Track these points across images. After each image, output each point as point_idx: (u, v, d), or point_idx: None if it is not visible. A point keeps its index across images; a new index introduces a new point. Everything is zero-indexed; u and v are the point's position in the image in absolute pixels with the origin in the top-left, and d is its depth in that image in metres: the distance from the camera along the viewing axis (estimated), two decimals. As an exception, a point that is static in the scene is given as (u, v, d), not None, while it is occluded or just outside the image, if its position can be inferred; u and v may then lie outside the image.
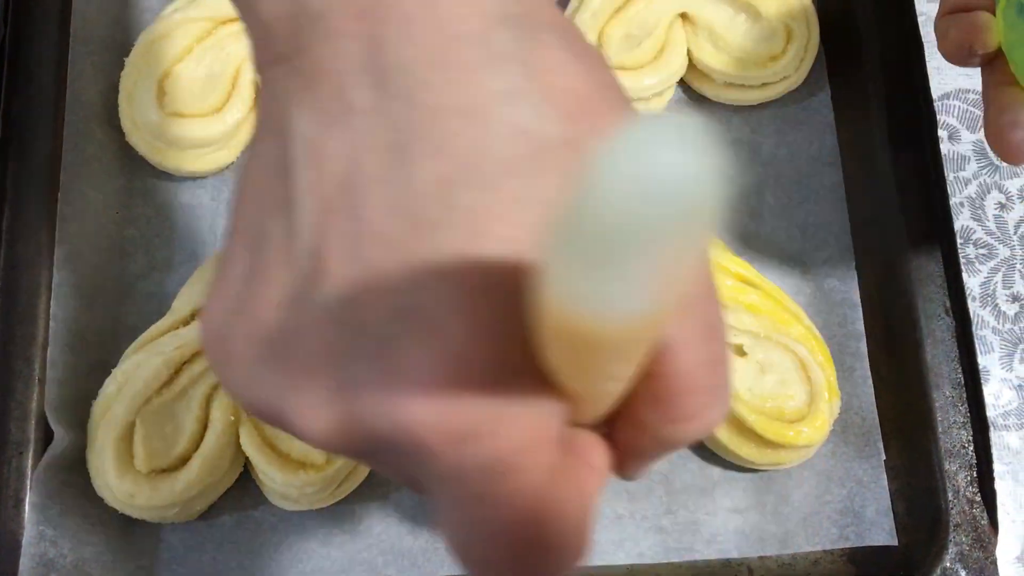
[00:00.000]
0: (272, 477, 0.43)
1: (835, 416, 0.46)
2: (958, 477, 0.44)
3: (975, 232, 0.52)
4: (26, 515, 0.44)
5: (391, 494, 0.46)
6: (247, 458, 0.45)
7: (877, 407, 0.47)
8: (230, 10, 0.49)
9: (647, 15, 0.51)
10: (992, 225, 0.52)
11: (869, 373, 0.48)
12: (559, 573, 0.20)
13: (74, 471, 0.45)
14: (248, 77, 0.50)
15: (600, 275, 0.14)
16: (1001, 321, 0.51)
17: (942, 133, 0.53)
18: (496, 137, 0.18)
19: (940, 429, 0.45)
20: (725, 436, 0.45)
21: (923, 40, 0.49)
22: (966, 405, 0.45)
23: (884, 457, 0.47)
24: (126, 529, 0.46)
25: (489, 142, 0.18)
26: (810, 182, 0.51)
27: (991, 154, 0.52)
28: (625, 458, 0.23)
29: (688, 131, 0.13)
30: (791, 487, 0.47)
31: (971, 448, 0.45)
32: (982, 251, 0.52)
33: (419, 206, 0.18)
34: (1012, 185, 0.53)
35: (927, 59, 0.49)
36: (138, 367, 0.44)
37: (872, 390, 0.48)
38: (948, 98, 0.54)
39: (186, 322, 0.46)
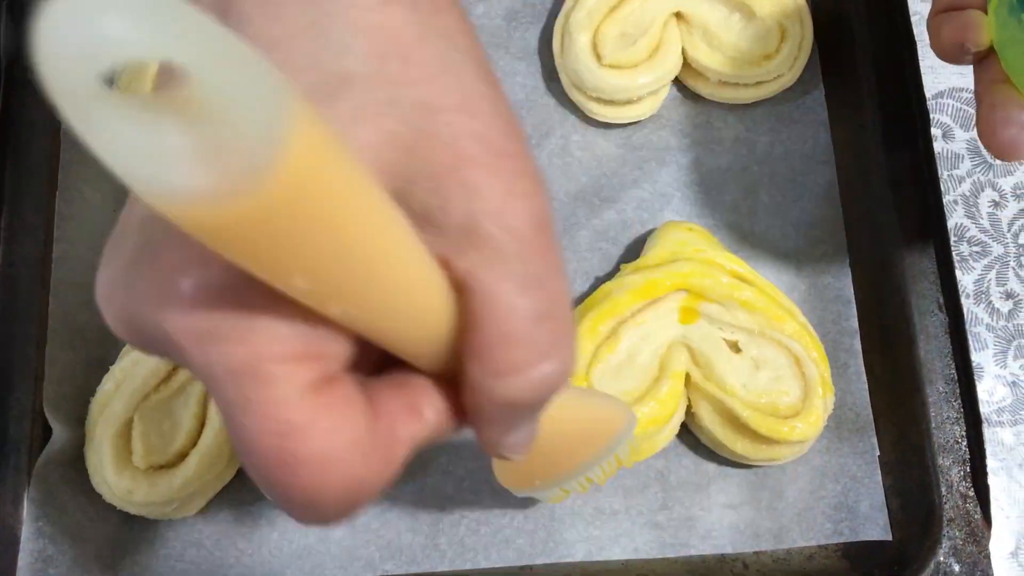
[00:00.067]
0: (270, 473, 0.44)
1: (829, 412, 0.46)
2: (951, 472, 0.45)
3: (969, 230, 0.52)
4: (24, 511, 0.44)
5: (389, 490, 0.47)
6: (245, 454, 0.45)
7: (871, 403, 0.48)
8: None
9: (642, 14, 0.51)
10: (986, 223, 0.52)
11: (863, 369, 0.48)
12: (320, 503, 0.20)
13: (72, 468, 0.45)
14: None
15: (117, 148, 0.14)
16: (995, 318, 0.51)
17: (936, 131, 0.53)
18: (293, 69, 0.20)
19: (933, 424, 0.45)
20: (720, 432, 0.45)
21: (916, 39, 0.49)
22: (959, 400, 0.45)
23: (878, 452, 0.47)
24: (124, 525, 0.46)
25: (285, 72, 0.19)
26: (804, 180, 0.52)
27: (985, 152, 0.52)
28: (474, 423, 0.23)
29: None
30: (785, 483, 0.47)
31: (964, 443, 0.45)
32: (976, 249, 0.52)
33: None
34: (1006, 183, 0.53)
35: (920, 58, 0.49)
36: (136, 364, 0.45)
37: (866, 386, 0.48)
38: (942, 96, 0.54)
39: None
